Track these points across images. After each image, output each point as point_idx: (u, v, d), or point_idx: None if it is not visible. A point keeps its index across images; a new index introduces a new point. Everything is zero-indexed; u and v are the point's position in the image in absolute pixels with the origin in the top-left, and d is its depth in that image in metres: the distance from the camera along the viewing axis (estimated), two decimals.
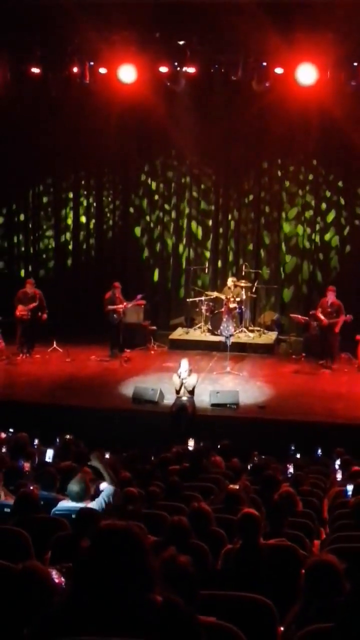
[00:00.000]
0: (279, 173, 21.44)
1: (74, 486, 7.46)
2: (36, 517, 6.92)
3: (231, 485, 10.26)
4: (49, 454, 11.03)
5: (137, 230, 22.54)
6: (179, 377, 14.89)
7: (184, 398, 14.77)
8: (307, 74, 17.49)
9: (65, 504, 7.93)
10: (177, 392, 14.88)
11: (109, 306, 18.85)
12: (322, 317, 17.92)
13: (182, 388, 14.85)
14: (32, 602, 3.32)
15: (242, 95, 19.41)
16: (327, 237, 21.12)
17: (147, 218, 22.43)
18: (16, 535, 6.25)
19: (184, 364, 14.94)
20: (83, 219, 22.86)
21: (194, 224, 22.14)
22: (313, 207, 21.20)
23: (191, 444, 12.43)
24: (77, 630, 2.45)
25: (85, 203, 22.81)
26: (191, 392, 14.88)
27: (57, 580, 3.58)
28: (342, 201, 20.99)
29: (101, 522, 2.65)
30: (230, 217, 21.94)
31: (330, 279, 20.62)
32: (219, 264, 21.95)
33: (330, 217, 21.11)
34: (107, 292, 19.05)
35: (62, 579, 3.62)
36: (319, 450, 13.08)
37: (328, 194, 21.17)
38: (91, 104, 20.19)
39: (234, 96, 19.93)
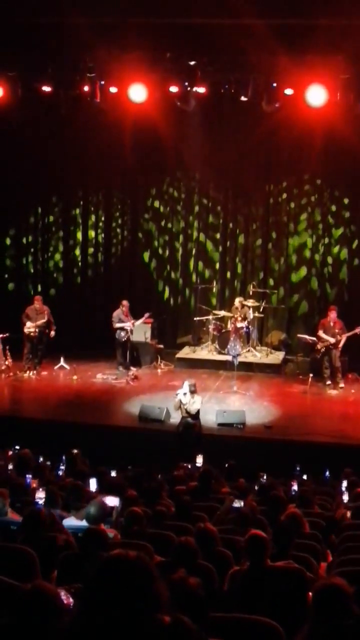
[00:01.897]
0: (288, 193, 21.49)
1: (91, 509, 7.45)
2: (43, 535, 6.90)
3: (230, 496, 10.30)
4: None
5: (145, 249, 22.59)
6: (177, 396, 14.83)
7: (190, 419, 14.71)
8: (316, 95, 17.51)
9: (71, 522, 7.92)
10: (182, 411, 14.82)
11: (117, 324, 18.88)
12: (326, 337, 17.95)
13: (181, 408, 14.78)
14: (39, 622, 3.30)
15: (252, 116, 19.42)
16: (334, 250, 21.14)
17: (155, 236, 22.49)
18: (23, 554, 6.23)
19: (186, 385, 14.85)
20: (91, 237, 22.93)
21: (202, 243, 22.18)
22: (321, 228, 21.23)
23: (199, 460, 12.36)
24: None
25: (93, 221, 22.88)
26: (194, 416, 14.74)
27: (65, 601, 3.57)
28: (351, 218, 21.01)
29: (110, 551, 2.63)
30: (238, 236, 21.97)
31: (339, 292, 20.72)
32: (227, 283, 21.98)
33: (338, 232, 21.15)
34: (115, 310, 19.09)
35: (71, 600, 3.61)
36: (327, 472, 13.01)
37: (335, 209, 21.21)
38: (101, 122, 20.24)
39: (243, 116, 19.95)
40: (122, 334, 18.89)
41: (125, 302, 19.20)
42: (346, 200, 21.13)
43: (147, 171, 22.10)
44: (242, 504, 9.22)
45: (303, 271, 21.41)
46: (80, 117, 20.29)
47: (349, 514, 9.60)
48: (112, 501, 8.44)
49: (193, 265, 22.23)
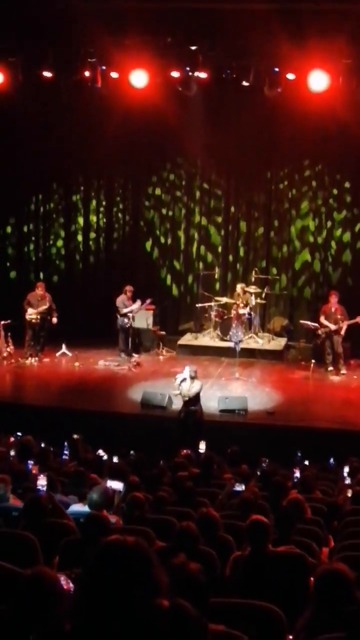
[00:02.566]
0: (290, 178, 21.43)
1: (94, 495, 7.46)
2: (44, 521, 6.90)
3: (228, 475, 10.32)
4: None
5: (147, 235, 22.55)
6: (176, 380, 14.84)
7: (191, 405, 14.70)
8: (319, 80, 17.45)
9: (75, 507, 7.94)
10: (182, 397, 14.81)
11: (123, 309, 18.86)
12: (327, 323, 17.97)
13: (181, 393, 14.78)
14: (39, 608, 3.30)
15: (254, 101, 19.34)
16: (337, 234, 21.12)
17: (157, 223, 22.43)
18: (24, 540, 6.24)
19: (187, 370, 14.84)
20: (93, 223, 22.88)
21: (204, 229, 22.14)
22: (324, 212, 21.20)
23: (202, 447, 12.37)
24: (84, 637, 2.43)
25: (94, 208, 22.82)
26: (193, 401, 14.71)
27: (65, 586, 3.56)
28: (353, 201, 20.99)
29: (109, 537, 2.61)
30: (240, 222, 21.94)
31: (342, 276, 20.82)
32: (229, 269, 21.94)
33: (341, 216, 21.12)
34: (118, 296, 19.07)
35: (71, 585, 3.60)
36: (331, 459, 12.99)
37: (337, 193, 21.16)
38: (102, 108, 20.15)
39: (245, 102, 19.87)
40: (125, 320, 18.88)
41: (129, 287, 19.18)
42: (347, 184, 21.07)
43: (148, 157, 22.03)
44: (243, 487, 9.24)
45: (305, 255, 21.38)
46: (81, 103, 20.23)
47: (349, 492, 9.63)
48: (114, 487, 8.45)
49: (195, 252, 22.19)
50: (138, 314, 19.24)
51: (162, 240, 22.41)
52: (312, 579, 5.04)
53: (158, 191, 22.40)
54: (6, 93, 19.15)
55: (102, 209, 22.82)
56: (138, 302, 19.05)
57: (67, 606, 2.73)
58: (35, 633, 3.13)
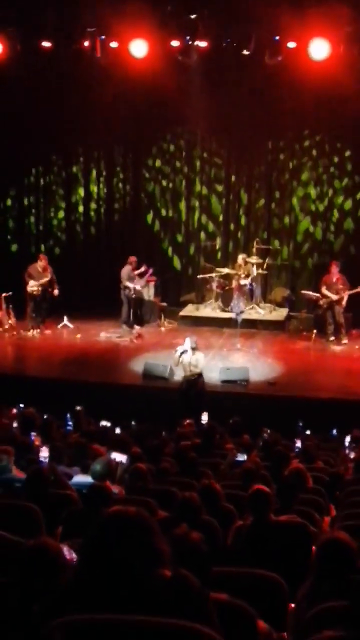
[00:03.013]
0: (291, 147, 21.34)
1: (97, 466, 7.48)
2: (47, 492, 6.93)
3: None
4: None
5: (148, 206, 22.49)
6: (176, 352, 14.84)
7: (193, 376, 14.70)
8: (319, 49, 17.35)
9: (78, 478, 7.98)
10: (185, 368, 14.81)
11: (128, 282, 18.83)
12: (329, 293, 17.96)
13: (181, 365, 14.76)
14: (42, 578, 3.32)
15: (255, 70, 19.21)
16: (338, 201, 21.07)
17: (158, 194, 22.36)
18: (27, 511, 6.27)
19: (187, 342, 14.82)
20: (93, 193, 22.81)
21: (205, 200, 22.08)
22: (325, 179, 21.13)
23: (205, 418, 12.39)
24: (87, 606, 2.45)
25: (95, 179, 22.74)
26: (192, 372, 14.71)
27: (68, 557, 3.58)
28: (354, 169, 20.92)
29: (111, 507, 2.63)
30: (241, 192, 21.87)
31: (345, 245, 20.81)
32: (230, 240, 21.90)
33: (342, 184, 21.06)
34: (121, 267, 19.04)
35: (74, 555, 3.62)
36: (334, 430, 13.01)
37: (337, 161, 21.10)
38: (102, 78, 20.00)
39: (246, 70, 19.71)
40: (129, 291, 18.86)
41: (133, 259, 19.17)
42: (348, 153, 20.97)
43: (148, 127, 21.90)
44: (245, 457, 9.28)
45: (307, 224, 21.33)
46: (81, 73, 20.07)
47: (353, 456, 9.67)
48: (117, 458, 8.48)
49: (196, 222, 22.15)
50: (142, 286, 19.25)
51: (163, 211, 22.36)
52: (313, 547, 5.07)
53: (158, 162, 22.32)
54: (4, 64, 19.01)
55: (102, 179, 22.74)
56: (141, 281, 19.07)
57: (70, 576, 2.74)
58: (38, 603, 3.15)
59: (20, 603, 3.24)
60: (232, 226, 21.92)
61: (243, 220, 21.89)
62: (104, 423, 12.30)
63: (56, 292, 18.74)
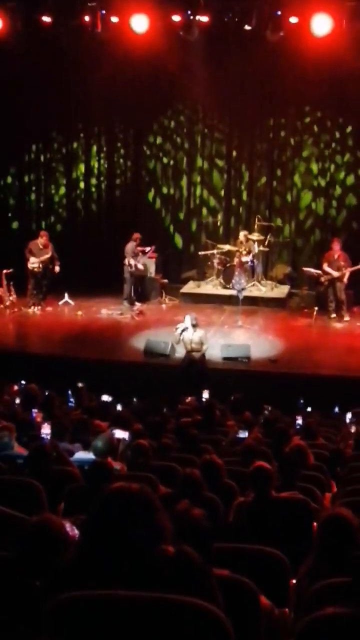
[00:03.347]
0: (292, 123, 21.25)
1: (98, 442, 7.50)
2: (49, 468, 6.95)
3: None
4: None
5: (148, 183, 22.42)
6: (177, 329, 14.86)
7: (195, 353, 14.73)
8: (322, 24, 17.26)
9: (80, 455, 8.00)
10: (186, 346, 14.83)
11: (131, 259, 18.78)
12: (330, 270, 17.95)
13: (182, 342, 14.80)
14: (45, 555, 3.33)
15: (256, 45, 19.08)
16: (340, 176, 21.02)
17: (159, 170, 22.29)
18: (29, 487, 6.28)
19: (188, 319, 14.83)
20: (94, 171, 22.73)
21: (206, 176, 22.01)
22: (327, 156, 21.04)
23: (206, 395, 12.42)
24: (89, 582, 2.46)
25: (96, 155, 22.66)
26: (196, 349, 14.73)
27: (70, 533, 3.59)
28: (355, 144, 20.84)
29: (113, 484, 2.63)
30: (243, 168, 21.80)
31: (347, 220, 20.80)
32: (232, 216, 21.85)
33: (344, 159, 20.98)
34: (127, 243, 19.00)
35: (76, 531, 3.63)
36: (336, 408, 13.02)
37: (339, 136, 21.02)
38: (102, 54, 19.88)
39: (247, 46, 19.58)
40: (132, 269, 18.84)
41: (137, 235, 19.13)
42: (350, 129, 20.87)
43: (148, 103, 21.76)
44: (246, 434, 9.30)
45: (308, 199, 21.26)
46: (81, 48, 19.95)
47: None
48: (119, 434, 8.50)
49: (198, 199, 22.08)
50: (142, 262, 19.20)
51: (164, 187, 22.29)
52: (315, 524, 5.08)
53: (159, 138, 22.23)
54: (4, 39, 18.90)
55: (102, 155, 22.66)
56: (144, 258, 19.05)
57: (73, 552, 2.74)
58: (41, 579, 3.16)
59: (23, 579, 3.26)
60: (233, 202, 21.86)
61: (244, 196, 21.82)
62: (104, 398, 12.33)
63: (57, 268, 18.71)
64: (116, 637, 2.31)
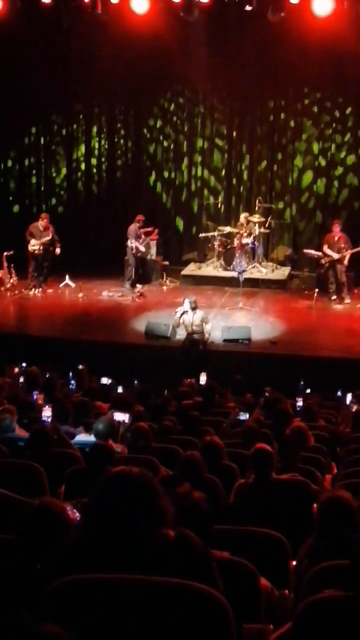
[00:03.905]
0: (293, 104, 21.19)
1: (99, 425, 7.52)
2: (50, 451, 6.98)
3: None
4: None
5: (149, 165, 22.38)
6: (176, 313, 14.88)
7: (196, 335, 14.75)
8: (323, 4, 17.17)
9: (81, 437, 8.02)
10: (187, 328, 14.85)
11: (133, 242, 18.74)
12: (331, 252, 17.93)
13: (182, 325, 14.82)
14: (46, 538, 3.34)
15: (257, 26, 19.00)
16: (340, 156, 20.97)
17: (159, 152, 22.25)
18: (30, 469, 6.31)
19: (187, 302, 14.84)
20: (95, 154, 22.69)
21: (207, 158, 21.96)
22: (327, 136, 21.02)
23: (203, 378, 12.45)
24: (90, 566, 2.47)
25: (96, 137, 22.61)
26: (200, 332, 14.75)
27: (72, 516, 3.61)
28: (355, 124, 20.78)
29: (115, 467, 2.65)
30: (244, 150, 21.74)
31: (348, 199, 20.76)
32: (233, 198, 21.81)
33: (345, 139, 20.93)
34: (130, 225, 18.97)
35: (77, 515, 3.65)
36: (339, 392, 13.00)
37: (339, 116, 20.98)
38: (102, 35, 19.79)
39: (248, 27, 19.52)
40: (135, 251, 18.83)
41: (140, 217, 19.11)
42: (349, 110, 20.79)
43: (148, 85, 21.73)
44: (247, 416, 9.33)
45: (309, 180, 21.21)
46: (81, 30, 19.86)
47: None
48: (120, 417, 8.52)
49: (198, 181, 22.04)
50: (144, 243, 19.18)
51: (165, 169, 22.26)
52: (315, 506, 5.11)
53: (159, 120, 22.18)
54: (4, 20, 18.80)
55: (103, 136, 22.61)
56: (146, 240, 19.02)
57: (74, 536, 2.76)
58: (42, 562, 3.18)
59: (24, 562, 3.28)
60: (234, 184, 21.83)
61: (245, 176, 21.78)
62: (104, 381, 12.36)
63: (58, 250, 18.68)
64: (116, 621, 2.33)
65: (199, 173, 22.02)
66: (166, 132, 22.17)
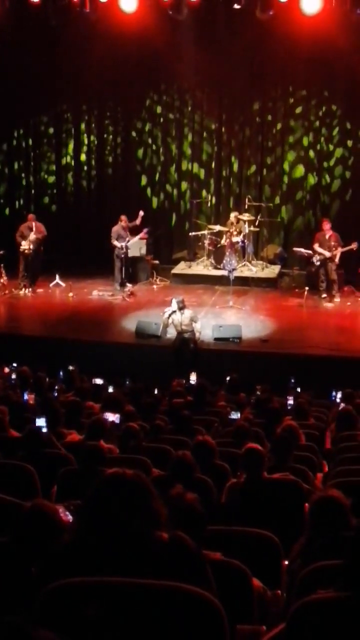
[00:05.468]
0: (282, 102, 21.18)
1: (91, 425, 7.52)
2: (42, 452, 6.97)
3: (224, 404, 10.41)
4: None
5: (139, 162, 22.35)
6: (164, 314, 14.88)
7: (186, 334, 14.76)
8: (311, 2, 17.21)
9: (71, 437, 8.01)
10: (176, 327, 14.85)
11: (115, 241, 18.71)
12: (321, 250, 17.95)
13: (171, 325, 14.82)
14: (40, 540, 3.35)
15: (246, 24, 19.01)
16: (330, 148, 20.98)
17: (149, 150, 22.22)
18: (22, 470, 6.30)
19: (174, 303, 14.84)
20: (84, 151, 22.66)
21: (196, 156, 21.93)
22: (317, 132, 21.02)
23: (193, 377, 12.45)
24: (84, 569, 2.48)
25: (86, 134, 22.59)
26: (191, 330, 14.77)
27: (64, 518, 3.61)
28: (348, 125, 20.78)
29: (108, 468, 2.65)
30: (233, 146, 21.73)
31: (341, 189, 20.79)
32: (222, 197, 21.80)
33: (334, 131, 20.94)
34: (114, 225, 18.94)
35: (69, 517, 3.65)
36: (333, 393, 12.98)
37: (327, 115, 20.96)
38: (92, 33, 19.75)
39: (237, 25, 19.53)
40: (122, 249, 18.79)
41: (124, 217, 19.05)
42: (334, 107, 20.78)
43: (138, 83, 21.70)
44: (238, 415, 9.33)
45: (299, 175, 21.19)
46: (70, 28, 19.81)
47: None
48: (110, 417, 8.52)
49: (188, 180, 22.03)
50: (131, 244, 19.10)
51: (155, 168, 22.21)
52: (307, 505, 5.11)
53: (149, 115, 22.10)
54: None
55: (94, 135, 22.57)
56: (129, 238, 18.96)
57: (68, 538, 2.77)
58: (36, 564, 3.18)
59: (19, 565, 3.28)
60: (223, 182, 21.80)
61: (235, 175, 21.75)
62: (97, 381, 12.36)
63: (33, 236, 18.50)
64: (110, 624, 2.34)
65: (189, 171, 21.99)
66: (155, 131, 22.13)
